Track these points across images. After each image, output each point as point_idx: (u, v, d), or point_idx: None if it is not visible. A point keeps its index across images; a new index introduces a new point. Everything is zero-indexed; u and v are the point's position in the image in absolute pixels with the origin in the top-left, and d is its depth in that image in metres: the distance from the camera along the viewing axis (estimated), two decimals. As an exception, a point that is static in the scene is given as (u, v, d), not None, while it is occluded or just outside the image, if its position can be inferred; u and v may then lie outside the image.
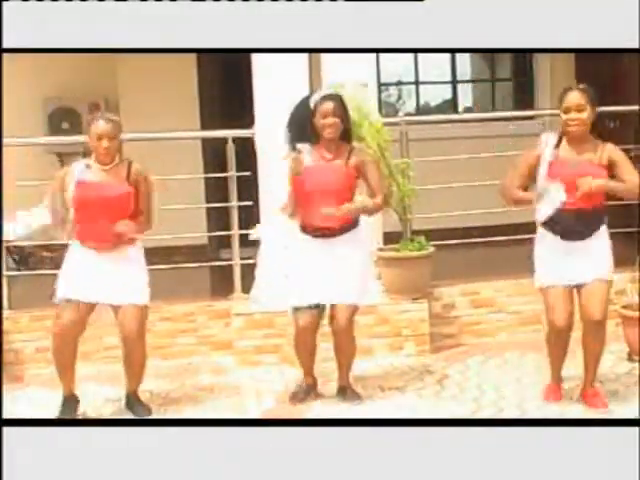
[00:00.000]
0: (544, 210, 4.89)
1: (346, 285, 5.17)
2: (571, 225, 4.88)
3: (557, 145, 4.94)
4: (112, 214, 5.05)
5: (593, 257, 4.95)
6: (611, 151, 4.94)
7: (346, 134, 5.28)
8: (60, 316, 5.07)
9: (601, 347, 5.03)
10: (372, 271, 5.75)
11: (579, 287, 4.99)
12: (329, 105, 5.17)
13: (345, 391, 5.40)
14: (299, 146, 5.25)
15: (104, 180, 5.11)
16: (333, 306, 5.22)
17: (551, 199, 4.84)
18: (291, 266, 5.22)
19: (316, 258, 5.16)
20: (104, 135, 5.02)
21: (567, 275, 4.94)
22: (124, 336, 5.15)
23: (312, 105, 5.21)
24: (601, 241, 4.99)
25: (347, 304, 5.19)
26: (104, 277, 5.08)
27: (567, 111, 4.87)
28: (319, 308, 5.22)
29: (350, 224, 5.22)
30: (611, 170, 4.91)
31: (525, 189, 5.03)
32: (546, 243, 5.01)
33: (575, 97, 4.86)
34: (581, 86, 4.96)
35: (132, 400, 5.31)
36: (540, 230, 5.06)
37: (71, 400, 5.26)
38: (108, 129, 5.03)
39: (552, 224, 4.93)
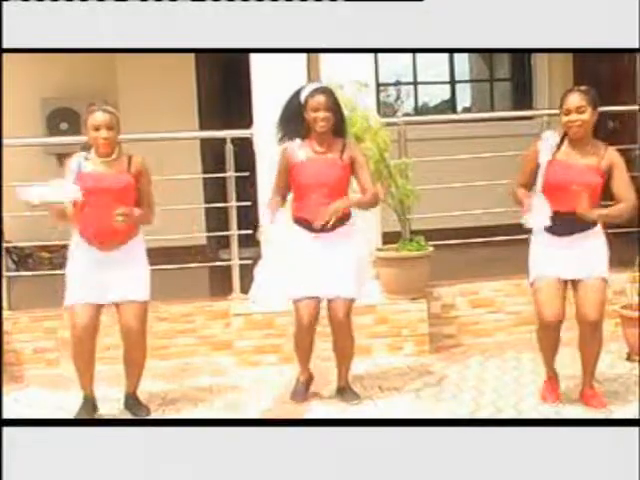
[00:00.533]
0: (536, 221, 4.89)
1: (343, 278, 5.17)
2: (565, 223, 4.87)
3: (559, 146, 4.94)
4: (115, 206, 4.99)
5: (588, 255, 4.93)
6: (612, 157, 4.91)
7: (338, 128, 5.27)
8: (74, 322, 5.06)
9: (598, 348, 5.02)
10: (369, 269, 5.75)
11: (574, 285, 4.99)
12: (320, 99, 5.16)
13: (344, 391, 5.39)
14: (289, 143, 5.25)
15: (105, 171, 5.09)
16: (330, 302, 5.21)
17: (539, 213, 4.84)
18: (289, 262, 5.22)
19: (312, 251, 5.15)
20: (102, 125, 5.01)
21: (560, 270, 4.93)
22: (125, 333, 5.15)
23: (302, 99, 5.20)
24: (596, 240, 4.97)
25: (344, 299, 5.18)
26: (109, 276, 5.06)
27: (568, 113, 4.86)
28: (318, 301, 5.22)
29: (344, 217, 5.21)
30: (609, 174, 4.91)
31: (530, 187, 5.02)
32: (541, 240, 5.01)
33: (575, 99, 4.85)
34: (582, 88, 4.94)
35: (131, 400, 5.31)
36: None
37: (90, 401, 5.24)
38: (106, 119, 5.03)
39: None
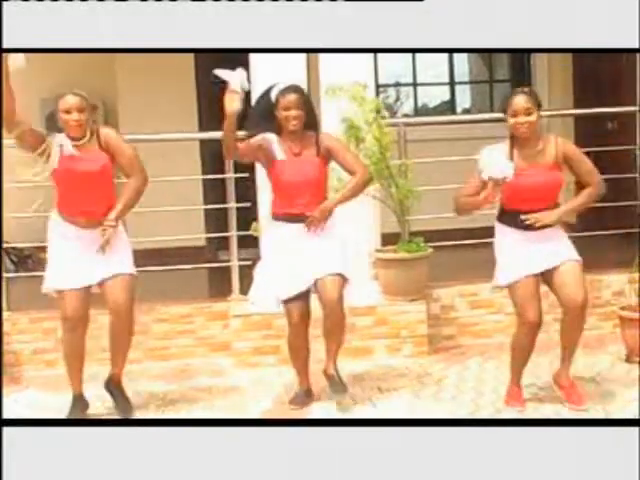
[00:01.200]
0: (493, 172, 4.79)
1: (328, 257, 5.13)
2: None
3: (511, 153, 4.94)
4: (95, 188, 5.04)
5: (553, 244, 4.94)
6: (565, 146, 4.96)
7: (309, 124, 5.25)
8: (65, 312, 5.06)
9: (580, 333, 4.98)
10: (367, 269, 5.72)
11: (548, 276, 4.96)
12: (291, 97, 5.15)
13: (332, 379, 5.21)
14: (266, 136, 5.21)
15: (80, 156, 5.07)
16: (319, 282, 5.12)
17: (500, 169, 4.78)
18: (277, 260, 5.21)
19: (295, 246, 5.14)
20: (73, 108, 5.04)
21: (532, 266, 4.93)
22: (112, 308, 5.09)
23: (273, 98, 5.19)
24: (555, 229, 4.97)
25: (333, 275, 5.10)
26: (90, 257, 5.03)
27: (515, 115, 4.89)
28: (307, 298, 5.20)
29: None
30: (568, 164, 4.94)
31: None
32: (505, 238, 5.01)
33: (522, 100, 4.89)
34: (526, 89, 5.02)
35: (113, 387, 5.27)
36: (497, 226, 5.07)
37: (80, 400, 5.25)
38: (77, 101, 5.05)
39: (508, 219, 4.95)
